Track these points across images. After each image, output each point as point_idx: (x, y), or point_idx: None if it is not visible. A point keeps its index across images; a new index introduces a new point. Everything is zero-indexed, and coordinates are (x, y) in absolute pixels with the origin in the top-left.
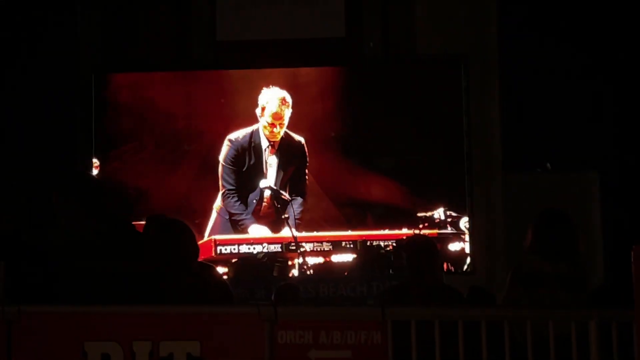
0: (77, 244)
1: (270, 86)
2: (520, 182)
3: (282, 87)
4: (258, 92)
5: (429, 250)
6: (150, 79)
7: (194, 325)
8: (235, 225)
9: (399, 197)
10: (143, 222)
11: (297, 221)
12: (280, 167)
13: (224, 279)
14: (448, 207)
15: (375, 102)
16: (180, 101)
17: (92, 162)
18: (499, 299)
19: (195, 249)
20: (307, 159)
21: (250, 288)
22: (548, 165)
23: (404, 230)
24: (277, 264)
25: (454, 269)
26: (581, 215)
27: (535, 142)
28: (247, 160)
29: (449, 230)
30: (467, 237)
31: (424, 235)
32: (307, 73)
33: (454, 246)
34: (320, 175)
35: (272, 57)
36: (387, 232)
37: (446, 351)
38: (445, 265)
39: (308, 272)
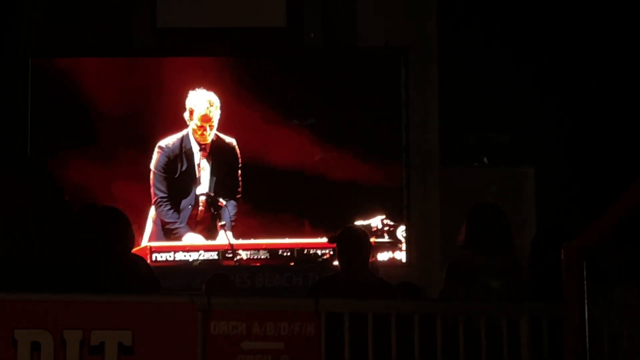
0: (12, 230)
1: (197, 89)
2: (457, 175)
3: (219, 77)
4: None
5: (361, 242)
6: (88, 66)
7: (126, 314)
8: (169, 233)
9: (337, 199)
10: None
11: (232, 223)
12: (213, 170)
13: (153, 271)
14: (387, 212)
15: (315, 94)
16: (118, 90)
17: (27, 148)
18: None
19: (132, 237)
20: (240, 160)
21: (187, 280)
22: (485, 159)
23: None
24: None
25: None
26: (516, 210)
27: (473, 136)
28: (179, 166)
29: (386, 239)
30: (403, 247)
31: (356, 228)
32: (246, 63)
33: (389, 255)
34: (254, 176)
35: (212, 46)
36: (324, 240)
37: (379, 343)
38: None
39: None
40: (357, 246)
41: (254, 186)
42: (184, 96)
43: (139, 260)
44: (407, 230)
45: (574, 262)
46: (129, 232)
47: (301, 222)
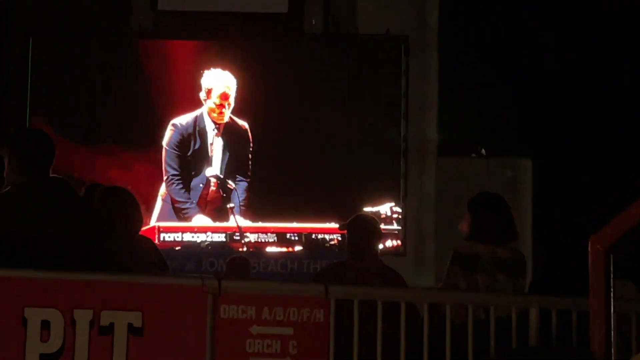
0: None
1: (211, 68)
2: (454, 166)
3: (221, 62)
4: (198, 69)
5: (372, 230)
6: (88, 45)
7: (137, 295)
8: (179, 212)
9: (340, 182)
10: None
11: (242, 206)
12: (225, 150)
13: (161, 253)
14: (394, 202)
15: (315, 80)
16: (118, 70)
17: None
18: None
19: (139, 218)
20: (251, 143)
21: (197, 260)
22: (482, 150)
23: None
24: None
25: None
26: (513, 202)
27: (471, 127)
28: (192, 145)
29: (395, 226)
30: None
31: (367, 215)
32: (247, 47)
33: (392, 243)
34: (261, 162)
35: (213, 30)
36: (332, 225)
37: (387, 330)
38: None
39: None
40: (366, 233)
41: (263, 170)
42: (184, 78)
43: (146, 241)
44: (403, 219)
45: (600, 255)
46: (136, 212)
47: (309, 207)
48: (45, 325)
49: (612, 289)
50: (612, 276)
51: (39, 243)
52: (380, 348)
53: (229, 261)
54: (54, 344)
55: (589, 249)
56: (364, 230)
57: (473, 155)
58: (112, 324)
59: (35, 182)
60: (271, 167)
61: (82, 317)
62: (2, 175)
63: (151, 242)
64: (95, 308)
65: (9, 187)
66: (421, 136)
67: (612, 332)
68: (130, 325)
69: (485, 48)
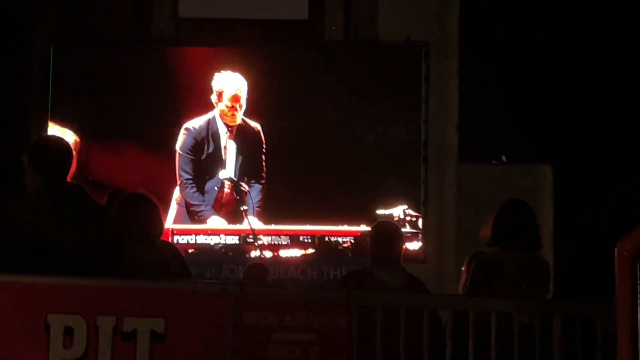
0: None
1: (222, 70)
2: (474, 172)
3: (241, 68)
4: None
5: (395, 237)
6: (108, 52)
7: (159, 301)
8: (194, 216)
9: (358, 189)
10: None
11: (256, 208)
12: (238, 152)
13: (184, 258)
14: (407, 204)
15: (335, 87)
16: (140, 77)
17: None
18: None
19: (160, 224)
20: (264, 145)
21: (217, 267)
22: (503, 157)
23: (363, 227)
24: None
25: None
26: (533, 208)
27: (491, 133)
28: (205, 148)
29: (408, 229)
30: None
31: (391, 222)
32: (267, 55)
33: (412, 245)
34: (276, 164)
35: (233, 37)
36: (345, 228)
37: (409, 337)
38: None
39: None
40: (388, 240)
41: (277, 173)
42: (202, 84)
43: (169, 247)
44: (422, 226)
45: (626, 261)
46: (156, 218)
47: (324, 210)
48: (69, 331)
49: (639, 296)
50: (639, 282)
51: (54, 250)
52: (403, 355)
53: (247, 268)
54: (77, 351)
55: (616, 256)
56: (386, 237)
57: (493, 161)
58: (134, 331)
59: (50, 189)
60: (286, 170)
61: (105, 323)
62: (23, 181)
63: (174, 248)
64: (118, 314)
65: (25, 194)
66: (441, 142)
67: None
68: (153, 332)
69: (506, 54)
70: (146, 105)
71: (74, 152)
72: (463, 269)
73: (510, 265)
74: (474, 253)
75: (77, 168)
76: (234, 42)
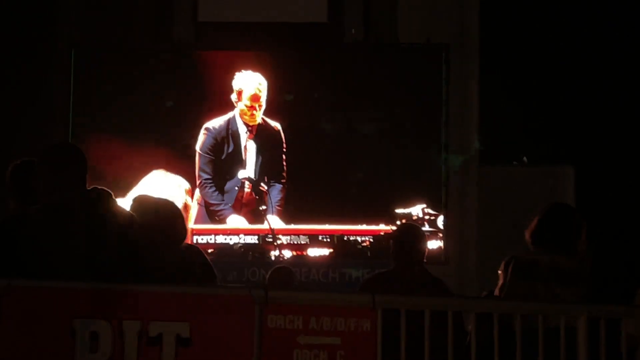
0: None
1: (242, 70)
2: (495, 174)
3: (260, 71)
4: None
5: (418, 239)
6: (128, 55)
7: (184, 306)
8: (213, 215)
9: (377, 189)
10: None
11: (277, 208)
12: (258, 152)
13: (209, 262)
14: (426, 203)
15: (355, 89)
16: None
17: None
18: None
19: (184, 228)
20: (285, 145)
21: (239, 270)
22: (524, 158)
23: (381, 226)
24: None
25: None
26: None
27: (513, 135)
28: (225, 148)
29: (427, 228)
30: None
31: (413, 224)
32: (287, 58)
33: (431, 244)
34: (296, 164)
35: (254, 40)
36: (364, 227)
37: (434, 340)
38: None
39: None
40: (411, 242)
41: (297, 173)
42: (222, 86)
43: (194, 251)
44: (444, 228)
45: None
46: (179, 222)
47: (342, 209)
48: (94, 336)
49: None
50: None
51: (79, 256)
52: (428, 358)
53: (273, 271)
54: (102, 355)
55: None
56: (409, 239)
57: (515, 163)
58: (160, 335)
59: (74, 195)
60: (306, 170)
61: (131, 328)
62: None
63: (199, 251)
64: (143, 319)
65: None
66: (462, 144)
67: None
68: (178, 336)
69: (526, 55)
70: (166, 108)
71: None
72: (500, 272)
73: (544, 267)
74: (510, 256)
75: (100, 171)
76: (254, 45)
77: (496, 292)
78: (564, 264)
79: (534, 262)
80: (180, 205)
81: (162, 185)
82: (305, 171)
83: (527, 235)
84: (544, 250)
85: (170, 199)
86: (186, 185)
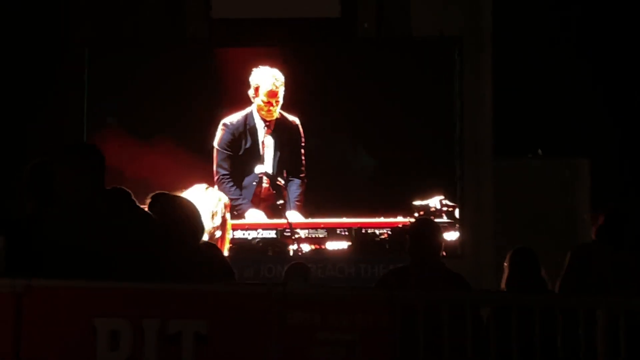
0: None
1: (260, 66)
2: (510, 167)
3: (275, 66)
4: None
5: (435, 234)
6: (142, 51)
7: (203, 304)
8: (232, 210)
9: (394, 182)
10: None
11: (296, 203)
12: (276, 147)
13: (226, 259)
14: (444, 195)
15: (369, 84)
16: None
17: (83, 139)
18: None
19: (201, 227)
20: (303, 139)
21: (255, 267)
22: (539, 150)
23: (399, 219)
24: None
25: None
26: (570, 202)
27: (527, 127)
28: (243, 144)
29: (445, 219)
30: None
31: (429, 219)
32: (301, 52)
33: (449, 235)
34: (313, 158)
35: (267, 36)
36: (382, 220)
37: (452, 335)
38: None
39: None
40: (428, 237)
41: (315, 167)
42: (237, 82)
43: (212, 248)
44: (460, 221)
45: None
46: (196, 221)
47: (360, 202)
48: (115, 335)
49: None
50: None
51: (100, 255)
52: (447, 353)
53: (289, 267)
54: (123, 353)
55: None
56: (425, 234)
57: (529, 155)
58: (179, 333)
59: (94, 195)
60: (323, 165)
61: (150, 326)
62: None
63: (217, 249)
64: (162, 317)
65: (67, 202)
66: (476, 137)
67: None
68: (196, 334)
69: (540, 47)
70: (181, 104)
71: None
72: (505, 264)
73: (600, 260)
74: (516, 247)
75: (116, 169)
76: (267, 41)
77: (502, 285)
78: (622, 258)
79: (590, 254)
80: (219, 220)
81: (202, 199)
82: (321, 165)
83: (593, 230)
84: (602, 244)
85: (210, 213)
86: (226, 199)
